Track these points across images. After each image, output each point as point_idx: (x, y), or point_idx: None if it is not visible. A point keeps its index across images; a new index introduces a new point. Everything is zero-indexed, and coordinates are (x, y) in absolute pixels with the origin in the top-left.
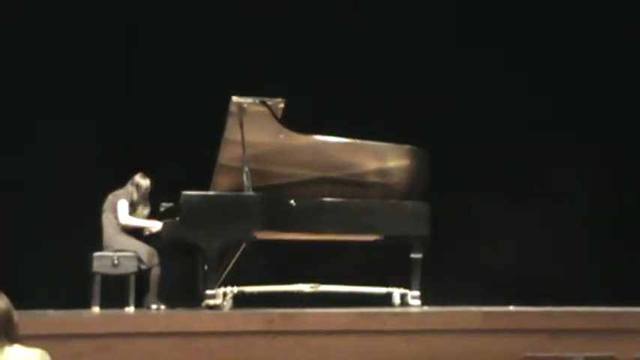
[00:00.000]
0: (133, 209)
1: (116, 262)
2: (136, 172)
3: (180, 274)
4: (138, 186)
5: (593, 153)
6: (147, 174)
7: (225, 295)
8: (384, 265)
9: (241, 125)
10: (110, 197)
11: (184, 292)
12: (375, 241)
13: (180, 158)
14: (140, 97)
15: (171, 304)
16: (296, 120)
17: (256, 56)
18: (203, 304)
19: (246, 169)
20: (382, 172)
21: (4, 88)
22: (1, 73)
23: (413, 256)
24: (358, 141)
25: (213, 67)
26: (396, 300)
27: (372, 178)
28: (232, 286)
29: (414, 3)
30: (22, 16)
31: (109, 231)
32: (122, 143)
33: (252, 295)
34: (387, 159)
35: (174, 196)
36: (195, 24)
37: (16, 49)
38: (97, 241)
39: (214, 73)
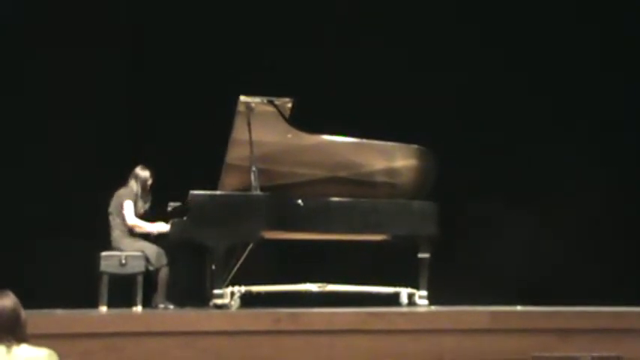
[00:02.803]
0: (136, 204)
1: (124, 261)
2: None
3: (187, 273)
4: (137, 178)
5: (598, 152)
6: (154, 173)
7: (232, 294)
8: (391, 264)
9: (249, 125)
10: (115, 198)
11: (192, 291)
12: (382, 241)
13: (187, 158)
14: (147, 96)
15: (179, 303)
16: (304, 119)
17: (264, 55)
18: (211, 303)
19: (253, 168)
20: (390, 172)
21: (8, 87)
22: (5, 72)
23: (420, 255)
24: (366, 141)
25: (221, 66)
26: (404, 300)
27: (380, 178)
28: (240, 285)
29: (416, 3)
30: (28, 14)
31: (116, 233)
32: (129, 142)
33: (259, 294)
34: (395, 159)
35: (181, 196)
36: (202, 23)
37: (19, 48)
38: (104, 241)
39: (222, 71)
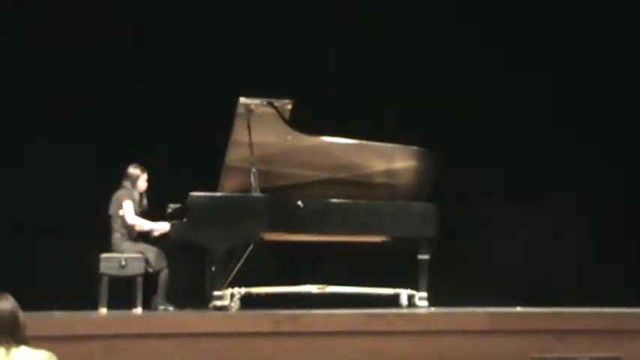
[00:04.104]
0: (134, 204)
1: (123, 263)
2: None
3: (187, 275)
4: (130, 177)
5: (598, 153)
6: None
7: (232, 296)
8: (391, 266)
9: (249, 126)
10: (113, 200)
11: (192, 293)
12: (382, 242)
13: (187, 159)
14: (147, 97)
15: (178, 305)
16: (304, 120)
17: (263, 57)
18: (211, 305)
19: (253, 170)
20: (390, 173)
21: (8, 88)
22: (5, 72)
23: (420, 257)
24: (365, 142)
25: (221, 66)
26: (404, 301)
27: (380, 179)
28: (240, 287)
29: (417, 3)
30: (27, 15)
31: (116, 236)
32: (129, 143)
33: (259, 296)
34: (395, 160)
35: (181, 197)
36: (203, 23)
37: (21, 49)
38: (104, 242)
39: (222, 71)
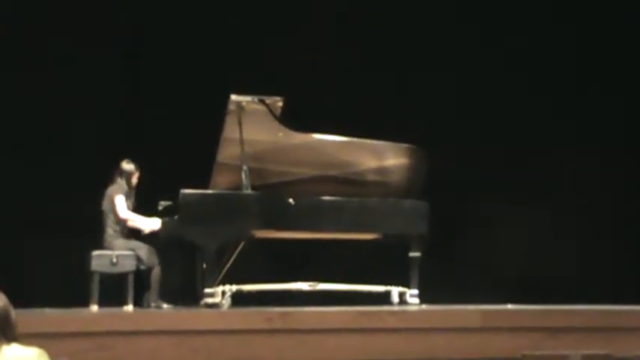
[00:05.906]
0: (127, 199)
1: (115, 260)
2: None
3: (179, 272)
4: (123, 172)
5: (594, 152)
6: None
7: (223, 293)
8: (382, 263)
9: (240, 124)
10: (106, 196)
11: (183, 290)
12: (373, 240)
13: (179, 157)
14: (141, 95)
15: (170, 302)
16: (295, 118)
17: (256, 55)
18: (202, 302)
19: (244, 167)
20: (381, 171)
21: (9, 88)
22: (5, 72)
23: (411, 254)
24: (357, 139)
25: (220, 66)
26: (395, 298)
27: (371, 177)
28: (231, 284)
29: (415, 2)
30: (27, 15)
31: (109, 233)
32: (122, 141)
33: (250, 293)
34: (386, 157)
35: (173, 195)
36: (202, 23)
37: (19, 48)
38: (95, 240)
39: (221, 71)
